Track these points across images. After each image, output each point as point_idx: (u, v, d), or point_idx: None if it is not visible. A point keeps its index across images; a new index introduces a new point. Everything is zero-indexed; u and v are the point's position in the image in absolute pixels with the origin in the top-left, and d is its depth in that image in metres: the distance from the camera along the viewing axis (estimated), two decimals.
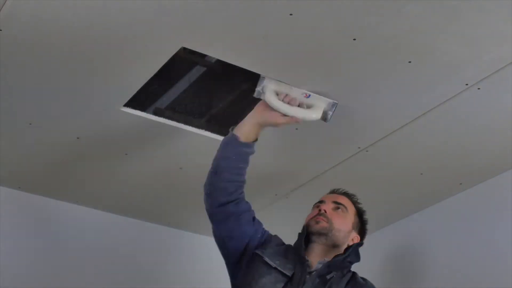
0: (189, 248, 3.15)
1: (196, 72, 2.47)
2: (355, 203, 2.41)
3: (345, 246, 2.33)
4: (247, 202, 2.30)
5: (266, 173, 2.72)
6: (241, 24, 2.01)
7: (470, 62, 2.11)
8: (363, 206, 2.44)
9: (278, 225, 2.94)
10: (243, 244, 2.28)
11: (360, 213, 2.41)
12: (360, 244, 2.34)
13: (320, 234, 2.30)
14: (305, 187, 2.80)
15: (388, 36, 2.02)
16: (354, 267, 2.33)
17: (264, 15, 1.96)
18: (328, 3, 1.91)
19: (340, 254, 2.29)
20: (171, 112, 2.50)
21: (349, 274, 2.27)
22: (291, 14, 1.95)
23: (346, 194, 2.43)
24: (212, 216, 2.28)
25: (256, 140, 2.27)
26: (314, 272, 2.23)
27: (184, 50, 2.15)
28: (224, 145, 2.27)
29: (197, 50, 2.15)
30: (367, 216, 2.44)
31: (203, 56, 2.31)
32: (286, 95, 2.22)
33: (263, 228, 2.35)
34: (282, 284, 2.20)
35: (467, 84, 2.20)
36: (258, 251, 2.27)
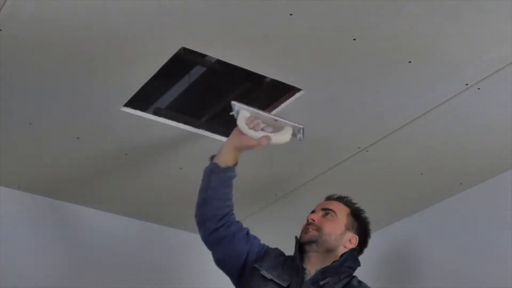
0: (189, 248, 3.15)
1: (196, 72, 2.47)
2: (347, 204, 2.41)
3: (340, 249, 2.33)
4: (238, 222, 2.35)
5: (266, 173, 2.73)
6: (241, 24, 2.01)
7: (470, 62, 2.11)
8: (362, 206, 2.44)
9: (278, 225, 2.95)
10: (241, 262, 2.33)
11: (355, 213, 2.41)
12: (355, 249, 2.34)
13: (310, 242, 2.33)
14: (305, 187, 2.80)
15: (388, 36, 2.02)
16: None
17: (264, 15, 1.97)
18: (328, 3, 1.91)
19: (336, 260, 2.29)
20: (171, 112, 2.50)
21: (346, 280, 2.25)
22: (291, 14, 1.95)
23: (337, 199, 2.44)
24: (207, 243, 2.35)
25: (236, 163, 2.32)
26: (308, 280, 2.25)
27: (184, 50, 2.15)
28: (207, 175, 2.31)
29: (197, 50, 2.15)
30: (367, 215, 2.44)
31: (203, 56, 2.31)
32: (252, 120, 2.27)
33: (260, 243, 2.38)
34: None
35: (467, 84, 2.20)
36: (256, 265, 2.30)
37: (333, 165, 2.66)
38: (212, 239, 2.32)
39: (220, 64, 2.26)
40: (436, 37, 2.01)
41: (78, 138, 2.56)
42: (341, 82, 2.23)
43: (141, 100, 2.41)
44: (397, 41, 2.04)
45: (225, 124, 2.44)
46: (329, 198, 2.46)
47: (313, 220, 2.36)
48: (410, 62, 2.12)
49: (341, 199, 2.44)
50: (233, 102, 2.28)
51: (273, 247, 2.39)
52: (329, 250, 2.32)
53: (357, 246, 2.37)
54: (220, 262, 2.36)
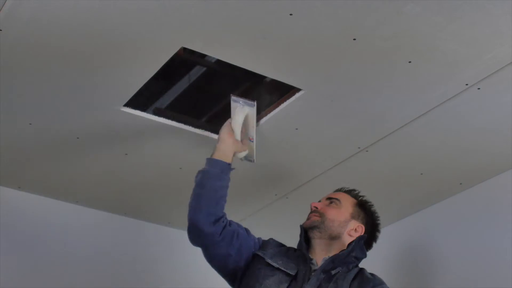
0: (189, 248, 3.14)
1: (196, 72, 2.47)
2: (353, 195, 2.41)
3: (345, 237, 2.31)
4: (230, 228, 2.29)
5: (266, 173, 2.72)
6: (241, 24, 2.01)
7: (470, 62, 2.11)
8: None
9: (278, 225, 2.94)
10: (247, 259, 2.30)
11: (361, 204, 2.39)
12: (363, 237, 2.32)
13: (312, 227, 2.31)
14: (305, 187, 2.80)
15: (388, 36, 2.02)
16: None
17: (264, 15, 1.96)
18: (328, 3, 1.91)
19: (344, 249, 2.28)
20: (171, 112, 2.50)
21: (356, 270, 2.25)
22: (291, 14, 1.95)
23: (346, 191, 2.43)
24: (212, 263, 2.34)
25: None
26: (318, 268, 2.23)
27: (184, 50, 2.15)
28: (218, 175, 2.29)
29: (197, 50, 2.15)
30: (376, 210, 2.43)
31: (203, 56, 2.31)
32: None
33: (255, 237, 2.36)
34: (287, 284, 2.20)
35: (467, 84, 2.20)
36: (259, 253, 2.28)
37: (333, 165, 2.66)
38: (218, 261, 2.30)
39: (220, 64, 2.26)
40: (436, 37, 2.01)
41: (78, 138, 2.56)
42: (341, 82, 2.23)
43: (141, 100, 2.41)
44: (397, 41, 2.04)
45: None
46: (337, 190, 2.45)
47: (316, 208, 2.35)
48: (410, 62, 2.12)
49: (347, 191, 2.43)
50: (235, 97, 2.31)
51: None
52: (333, 237, 2.30)
53: (364, 234, 2.33)
54: (224, 266, 2.32)
